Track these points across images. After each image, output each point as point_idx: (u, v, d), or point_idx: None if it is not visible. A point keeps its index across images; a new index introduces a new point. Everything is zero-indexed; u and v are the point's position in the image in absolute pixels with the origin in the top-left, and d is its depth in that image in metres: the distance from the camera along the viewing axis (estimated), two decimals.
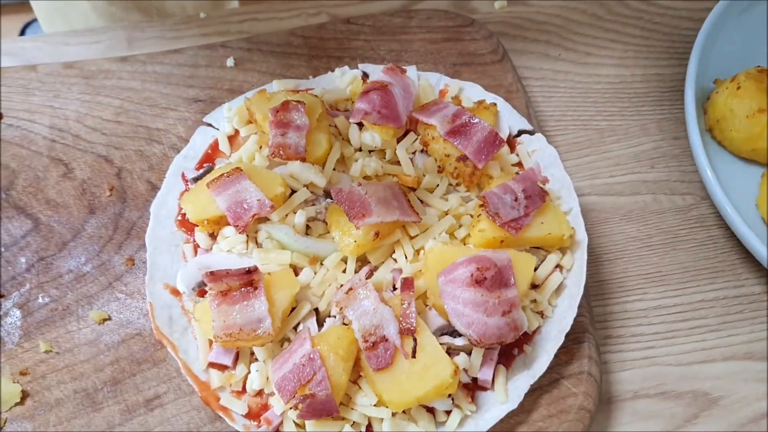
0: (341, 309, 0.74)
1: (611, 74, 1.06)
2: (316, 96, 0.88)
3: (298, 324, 0.76)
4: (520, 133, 0.90)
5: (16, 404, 0.77)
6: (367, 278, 0.77)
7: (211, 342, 0.76)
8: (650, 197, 0.96)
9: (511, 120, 0.90)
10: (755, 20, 1.01)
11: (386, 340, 0.72)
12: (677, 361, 0.86)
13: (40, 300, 0.82)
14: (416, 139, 0.86)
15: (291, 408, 0.71)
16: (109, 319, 0.82)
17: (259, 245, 0.80)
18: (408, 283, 0.75)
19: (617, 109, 1.03)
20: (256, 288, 0.72)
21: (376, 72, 0.91)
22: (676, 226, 0.95)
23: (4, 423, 0.76)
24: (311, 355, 0.69)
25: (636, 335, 0.87)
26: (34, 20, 2.29)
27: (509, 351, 0.78)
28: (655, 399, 0.83)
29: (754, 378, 0.85)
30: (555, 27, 1.10)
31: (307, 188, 0.82)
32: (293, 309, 0.76)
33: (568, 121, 1.02)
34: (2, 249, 0.84)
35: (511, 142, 0.89)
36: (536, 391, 0.77)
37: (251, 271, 0.72)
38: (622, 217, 0.95)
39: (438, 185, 0.83)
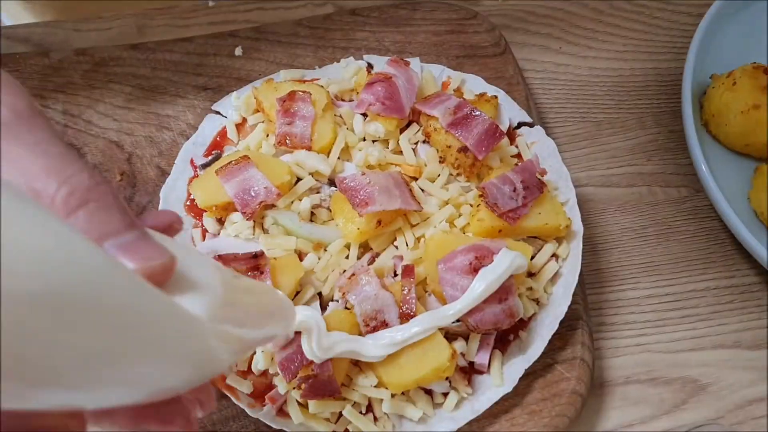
0: (344, 294, 0.77)
1: (610, 68, 1.08)
2: (321, 86, 0.90)
3: None
4: (520, 125, 0.92)
5: None
6: (369, 264, 0.79)
7: None
8: (646, 189, 0.99)
9: (511, 112, 0.92)
10: (753, 17, 1.03)
11: (387, 324, 0.74)
12: (668, 349, 0.89)
13: None
14: (419, 130, 0.88)
15: (294, 388, 0.74)
16: None
17: (265, 231, 0.82)
18: (408, 270, 0.78)
19: (615, 102, 1.05)
20: (262, 272, 0.74)
21: (381, 63, 0.93)
22: (671, 217, 0.97)
23: None
24: None
25: (628, 323, 0.90)
26: None
27: (505, 336, 0.80)
28: (645, 384, 0.86)
29: (741, 366, 0.88)
30: (556, 20, 1.11)
31: (313, 176, 0.84)
32: (297, 293, 0.79)
33: (567, 114, 1.04)
34: None
35: (511, 134, 0.91)
36: (530, 376, 0.80)
37: (258, 256, 0.75)
38: (617, 208, 0.97)
39: (439, 175, 0.85)
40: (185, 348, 0.42)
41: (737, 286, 0.93)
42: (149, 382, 0.40)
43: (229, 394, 0.76)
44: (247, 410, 0.75)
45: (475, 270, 0.74)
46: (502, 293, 0.74)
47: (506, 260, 0.74)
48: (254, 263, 0.74)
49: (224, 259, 0.74)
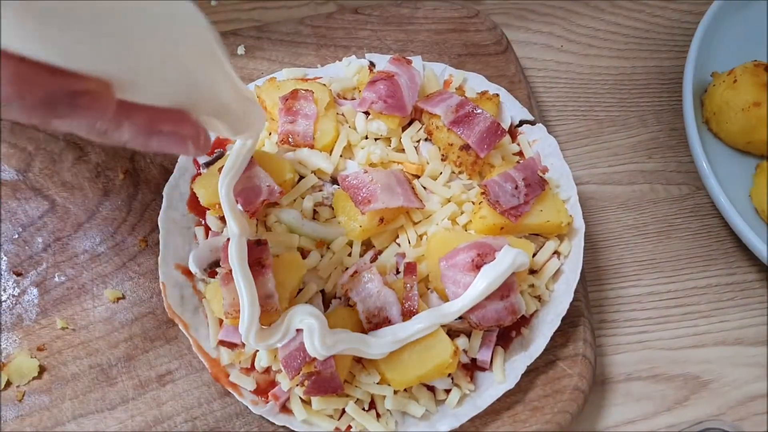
0: (346, 291, 0.77)
1: (611, 66, 1.08)
2: (324, 85, 0.90)
3: None
4: (522, 123, 0.92)
5: (34, 378, 0.80)
6: (371, 262, 0.80)
7: (221, 321, 0.79)
8: (647, 186, 0.99)
9: (513, 110, 0.92)
10: (754, 16, 1.03)
11: (389, 321, 0.75)
12: (669, 346, 0.89)
13: (57, 279, 0.85)
14: (421, 128, 0.88)
15: (297, 385, 0.74)
16: (123, 297, 0.85)
17: (268, 229, 0.83)
18: (411, 268, 0.78)
19: (616, 100, 1.05)
20: (263, 266, 0.75)
21: (383, 62, 0.93)
22: (672, 215, 0.97)
23: (23, 396, 0.79)
24: None
25: (630, 320, 0.90)
26: None
27: (507, 333, 0.81)
28: (647, 381, 0.87)
29: (743, 362, 0.88)
30: (557, 19, 1.12)
31: (315, 174, 0.85)
32: (300, 290, 0.79)
33: (568, 112, 1.04)
34: (20, 229, 0.87)
35: (513, 131, 0.92)
36: (533, 372, 0.80)
37: (261, 243, 0.75)
38: (619, 205, 0.98)
39: (441, 173, 0.86)
40: (202, 46, 0.55)
41: (738, 283, 0.93)
42: (166, 66, 0.51)
43: (232, 392, 0.77)
44: (251, 407, 0.76)
45: (477, 267, 0.75)
46: (504, 290, 0.75)
47: (508, 258, 0.75)
48: (257, 254, 0.74)
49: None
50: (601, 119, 1.04)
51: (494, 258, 0.75)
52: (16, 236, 0.87)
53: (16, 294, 0.84)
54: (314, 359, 0.72)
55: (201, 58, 0.55)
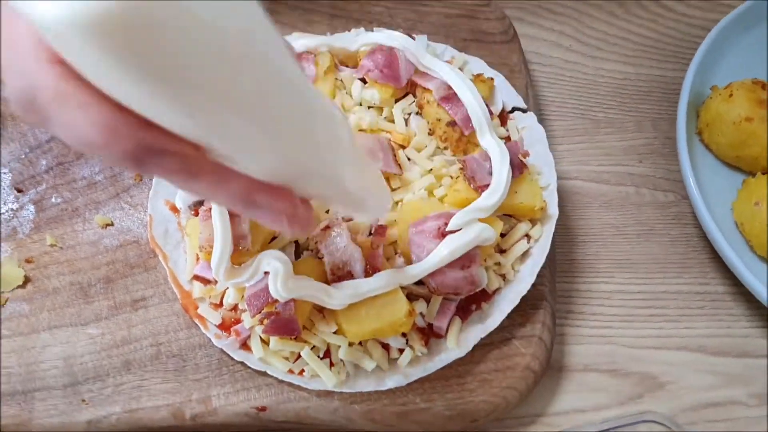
0: (316, 243, 0.81)
1: (617, 70, 1.10)
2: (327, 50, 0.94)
3: None
4: (514, 109, 0.95)
5: (18, 287, 0.85)
6: (345, 222, 0.83)
7: (197, 257, 0.83)
8: (633, 189, 1.01)
9: (507, 96, 0.95)
10: (763, 34, 1.04)
11: (352, 276, 0.78)
12: (631, 344, 0.90)
13: (53, 200, 0.90)
14: (413, 102, 0.91)
15: (258, 323, 0.78)
16: (112, 224, 0.89)
17: None
18: (381, 230, 0.81)
19: (617, 103, 1.07)
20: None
21: None
22: (654, 219, 0.99)
23: (5, 302, 0.84)
24: None
25: (596, 314, 0.92)
26: None
27: (468, 307, 0.83)
28: (604, 375, 0.88)
29: (703, 369, 0.89)
30: (570, 19, 1.14)
31: None
32: (274, 238, 0.83)
33: (568, 109, 1.06)
34: (27, 150, 0.93)
35: (504, 116, 0.94)
36: (487, 347, 0.83)
37: None
38: (602, 203, 0.99)
39: (426, 146, 0.89)
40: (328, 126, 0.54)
41: (709, 293, 0.94)
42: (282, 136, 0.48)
43: (198, 324, 0.81)
44: (213, 340, 0.80)
45: (442, 235, 0.78)
46: (465, 260, 0.77)
47: (474, 230, 0.77)
48: None
49: None
50: (598, 119, 1.06)
51: (460, 229, 0.78)
52: (23, 156, 0.92)
53: (14, 208, 0.89)
54: (276, 301, 0.75)
55: (328, 140, 0.53)
